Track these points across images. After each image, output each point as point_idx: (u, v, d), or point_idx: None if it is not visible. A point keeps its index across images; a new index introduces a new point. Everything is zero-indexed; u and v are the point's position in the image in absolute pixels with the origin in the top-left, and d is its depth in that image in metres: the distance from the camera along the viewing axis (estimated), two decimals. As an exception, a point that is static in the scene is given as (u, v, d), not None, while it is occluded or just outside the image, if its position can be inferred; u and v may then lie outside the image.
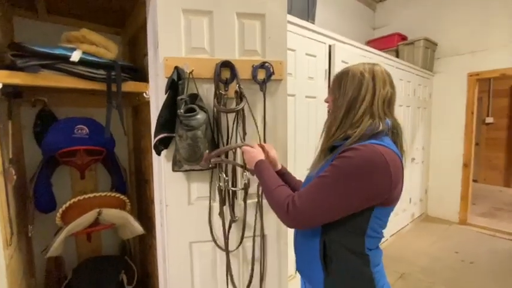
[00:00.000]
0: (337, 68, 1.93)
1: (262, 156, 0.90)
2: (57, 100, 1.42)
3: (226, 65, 0.99)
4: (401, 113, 2.90)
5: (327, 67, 1.90)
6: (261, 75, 1.01)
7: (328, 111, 0.84)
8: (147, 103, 1.21)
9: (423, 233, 3.10)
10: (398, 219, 3.00)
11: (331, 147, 0.78)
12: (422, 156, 3.42)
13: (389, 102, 0.76)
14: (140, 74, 1.29)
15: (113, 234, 1.62)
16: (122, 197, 1.33)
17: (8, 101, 1.13)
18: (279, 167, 1.02)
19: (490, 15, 2.99)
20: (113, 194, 1.31)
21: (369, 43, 3.41)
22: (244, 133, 1.01)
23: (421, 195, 3.49)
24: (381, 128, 0.71)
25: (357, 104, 0.74)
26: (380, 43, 3.39)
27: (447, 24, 3.31)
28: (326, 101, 0.86)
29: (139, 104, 1.46)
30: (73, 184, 1.50)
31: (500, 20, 2.94)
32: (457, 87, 3.30)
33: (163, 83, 0.99)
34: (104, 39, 1.14)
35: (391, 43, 3.39)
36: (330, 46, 1.90)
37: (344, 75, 0.79)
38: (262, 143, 1.03)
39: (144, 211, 1.55)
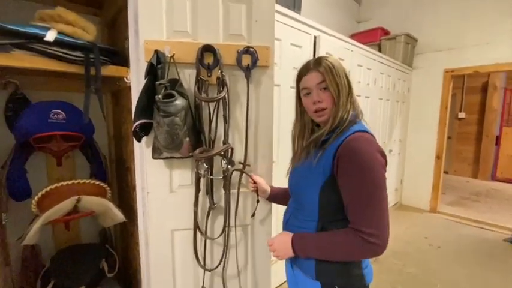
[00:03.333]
0: (321, 59, 1.95)
1: (288, 236, 0.81)
2: (31, 83, 1.34)
3: (209, 49, 0.97)
4: (381, 106, 3.00)
5: (312, 58, 1.92)
6: (246, 61, 1.00)
7: (318, 110, 0.80)
8: (128, 88, 1.17)
9: (397, 220, 3.29)
10: (375, 208, 3.14)
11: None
12: (399, 148, 3.59)
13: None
14: (120, 58, 1.24)
15: (92, 222, 1.59)
16: (101, 184, 1.30)
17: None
18: (269, 190, 1.07)
19: (468, 15, 3.13)
20: (92, 181, 1.27)
21: (353, 36, 3.47)
22: (226, 122, 0.99)
23: (397, 185, 3.68)
24: (359, 113, 0.80)
25: (350, 94, 0.80)
26: (363, 37, 3.46)
27: (428, 21, 3.42)
28: (319, 101, 0.79)
29: (119, 90, 1.41)
30: (49, 171, 1.44)
31: (477, 19, 3.08)
32: (433, 82, 3.45)
33: (144, 67, 0.96)
34: (81, 19, 1.08)
35: (374, 37, 3.46)
36: (315, 37, 1.91)
37: (332, 69, 0.78)
38: (254, 177, 1.06)
39: (125, 199, 1.52)
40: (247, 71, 1.00)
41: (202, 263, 1.06)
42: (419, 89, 3.60)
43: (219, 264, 1.05)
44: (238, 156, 1.06)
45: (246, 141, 1.04)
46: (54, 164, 1.41)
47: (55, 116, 1.16)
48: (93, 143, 1.42)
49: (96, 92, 1.11)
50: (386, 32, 3.51)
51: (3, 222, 1.19)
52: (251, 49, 0.99)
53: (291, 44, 1.74)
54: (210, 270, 1.07)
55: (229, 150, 1.01)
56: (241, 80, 1.04)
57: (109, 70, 1.15)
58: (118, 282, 1.42)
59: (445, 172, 4.78)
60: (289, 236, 0.81)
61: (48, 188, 1.16)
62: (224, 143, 1.01)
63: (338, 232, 0.74)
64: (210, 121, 1.01)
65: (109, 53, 1.17)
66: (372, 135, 0.76)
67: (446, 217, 3.39)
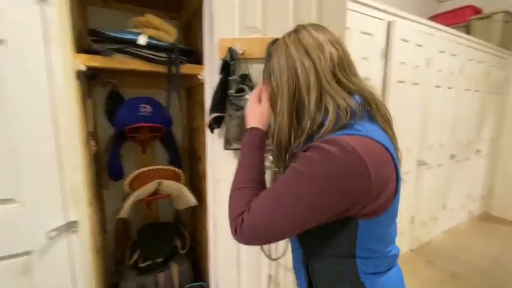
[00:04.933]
0: (396, 47, 1.77)
1: (259, 120, 0.64)
2: (123, 81, 1.58)
3: (277, 43, 0.98)
4: (467, 98, 2.57)
5: (384, 46, 1.76)
6: (315, 52, 0.98)
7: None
8: (201, 85, 1.28)
9: (482, 232, 2.80)
10: (452, 215, 2.75)
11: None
12: (490, 149, 3.02)
13: (342, 67, 0.55)
14: (195, 57, 1.35)
15: (168, 204, 1.80)
16: (177, 170, 1.46)
17: (87, 82, 1.30)
18: None
19: None
20: (171, 168, 1.45)
21: (434, 18, 3.03)
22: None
23: (484, 191, 3.12)
24: (349, 113, 0.51)
25: (305, 97, 0.54)
26: (447, 18, 2.99)
27: (539, -8, 2.75)
28: None
29: (192, 86, 1.55)
30: (136, 157, 1.69)
31: None
32: (544, 68, 2.77)
33: (217, 64, 1.03)
34: (165, 23, 1.22)
35: (462, 17, 2.95)
36: (388, 23, 1.74)
37: (270, 64, 0.60)
38: None
39: (195, 185, 1.68)
40: (317, 63, 0.98)
41: (266, 252, 1.10)
42: (523, 77, 2.94)
43: (283, 254, 1.08)
44: (304, 150, 1.06)
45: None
46: (140, 151, 1.65)
47: (143, 109, 1.35)
48: (171, 133, 1.60)
49: (176, 89, 1.23)
50: (477, 11, 2.95)
51: (104, 198, 1.45)
52: (322, 40, 0.96)
53: (360, 32, 1.63)
54: (273, 260, 1.11)
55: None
56: (310, 73, 1.02)
57: (186, 68, 1.27)
58: (188, 259, 1.58)
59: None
60: (254, 119, 0.67)
61: (137, 172, 1.36)
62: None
63: (249, 191, 0.56)
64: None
65: (186, 52, 1.29)
66: (378, 141, 0.48)
67: (554, 235, 2.73)
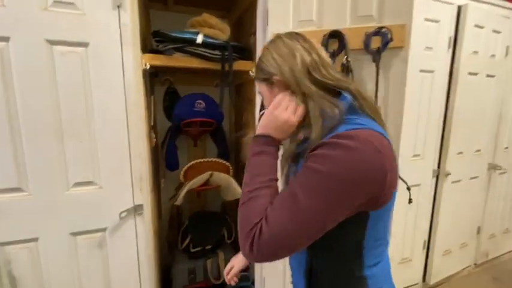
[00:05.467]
0: (468, 34, 1.57)
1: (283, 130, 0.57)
2: (177, 79, 1.69)
3: (334, 35, 0.95)
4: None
5: (453, 34, 1.56)
6: (375, 43, 0.92)
7: None
8: (250, 81, 1.30)
9: None
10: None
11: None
12: None
13: (317, 69, 0.55)
14: (246, 54, 1.38)
15: (215, 194, 1.89)
16: (227, 163, 1.52)
17: (150, 80, 1.42)
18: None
19: None
20: (220, 160, 1.51)
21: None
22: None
23: None
24: (340, 108, 0.50)
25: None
26: (534, -3, 2.52)
27: None
28: None
29: (241, 82, 1.59)
30: (188, 150, 1.80)
31: None
32: None
33: (270, 59, 1.03)
34: (219, 22, 1.27)
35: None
36: (459, 7, 1.54)
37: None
38: None
39: (240, 179, 1.73)
40: (377, 54, 0.92)
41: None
42: None
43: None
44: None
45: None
46: (191, 144, 1.76)
47: (198, 105, 1.43)
48: (221, 128, 1.67)
49: (228, 85, 1.28)
50: None
51: (162, 186, 1.58)
52: (383, 29, 0.90)
53: (424, 20, 1.47)
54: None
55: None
56: (366, 65, 0.96)
57: (238, 65, 1.30)
58: (234, 249, 1.65)
59: None
60: (268, 126, 0.58)
61: (192, 163, 1.46)
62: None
63: (263, 199, 0.51)
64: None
65: (238, 49, 1.32)
66: (379, 132, 0.49)
67: None
